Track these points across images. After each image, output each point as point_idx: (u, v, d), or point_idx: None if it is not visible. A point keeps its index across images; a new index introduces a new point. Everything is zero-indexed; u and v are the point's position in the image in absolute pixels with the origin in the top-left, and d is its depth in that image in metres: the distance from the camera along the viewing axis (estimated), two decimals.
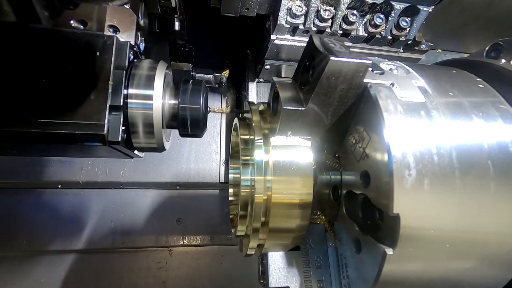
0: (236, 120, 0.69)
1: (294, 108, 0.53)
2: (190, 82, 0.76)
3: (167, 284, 1.36)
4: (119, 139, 0.63)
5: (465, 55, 1.62)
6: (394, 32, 1.01)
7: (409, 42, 1.07)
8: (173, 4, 0.90)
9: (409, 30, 1.02)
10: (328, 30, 0.98)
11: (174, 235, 1.40)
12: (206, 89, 0.77)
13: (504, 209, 0.47)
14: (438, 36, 1.44)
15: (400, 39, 1.03)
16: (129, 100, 0.66)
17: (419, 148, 0.44)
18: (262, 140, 0.58)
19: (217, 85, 1.33)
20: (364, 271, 0.51)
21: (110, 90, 0.63)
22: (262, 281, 0.67)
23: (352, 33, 0.99)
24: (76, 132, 0.60)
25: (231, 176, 0.85)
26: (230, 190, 0.84)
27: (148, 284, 1.34)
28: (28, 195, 1.31)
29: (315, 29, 0.97)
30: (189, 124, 0.75)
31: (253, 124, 0.61)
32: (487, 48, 0.68)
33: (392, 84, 0.50)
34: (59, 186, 1.32)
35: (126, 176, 1.36)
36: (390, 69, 0.55)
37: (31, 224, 1.29)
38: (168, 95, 0.74)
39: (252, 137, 0.60)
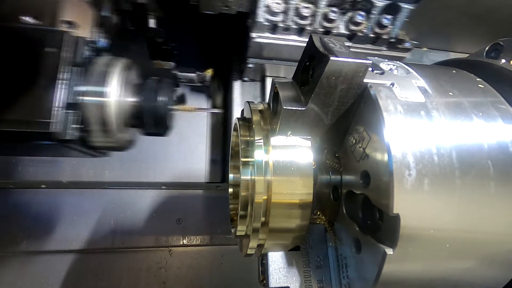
0: (236, 120, 0.69)
1: (294, 108, 0.53)
2: (152, 80, 0.73)
3: (167, 284, 1.36)
4: (68, 137, 0.61)
5: (451, 53, 1.61)
6: (376, 30, 0.99)
7: (392, 40, 1.04)
8: (140, 0, 0.85)
9: (391, 28, 1.00)
10: (308, 28, 0.95)
11: (174, 235, 1.40)
12: (169, 87, 0.74)
13: (504, 209, 0.47)
14: (423, 34, 1.43)
15: (383, 37, 1.01)
16: (82, 97, 0.64)
17: (419, 148, 0.44)
18: (262, 140, 0.58)
19: (200, 84, 1.31)
20: (364, 271, 0.51)
21: (59, 87, 0.60)
22: (262, 281, 0.67)
23: (333, 31, 0.97)
24: (22, 130, 0.58)
25: (231, 176, 0.85)
26: (230, 190, 0.84)
27: (148, 284, 1.34)
28: (13, 195, 1.31)
29: (295, 27, 0.95)
30: (150, 122, 0.73)
31: (253, 125, 0.61)
32: (487, 48, 0.68)
33: (392, 84, 0.50)
34: (43, 186, 1.31)
35: (111, 176, 1.35)
36: (390, 69, 0.55)
37: (30, 223, 1.29)
38: (128, 92, 0.71)
39: (252, 137, 0.60)
